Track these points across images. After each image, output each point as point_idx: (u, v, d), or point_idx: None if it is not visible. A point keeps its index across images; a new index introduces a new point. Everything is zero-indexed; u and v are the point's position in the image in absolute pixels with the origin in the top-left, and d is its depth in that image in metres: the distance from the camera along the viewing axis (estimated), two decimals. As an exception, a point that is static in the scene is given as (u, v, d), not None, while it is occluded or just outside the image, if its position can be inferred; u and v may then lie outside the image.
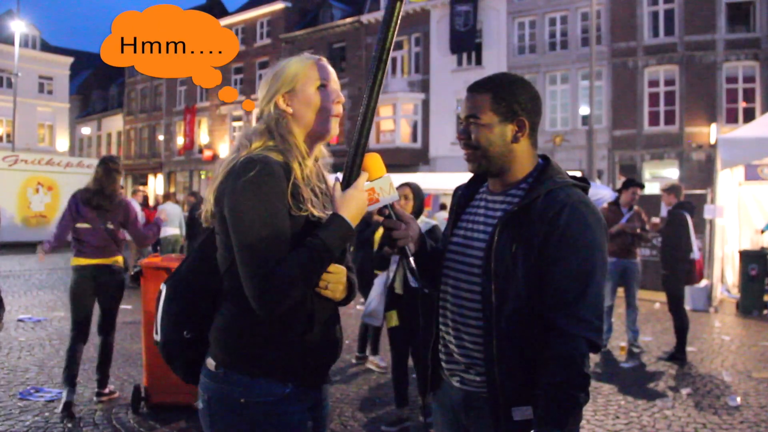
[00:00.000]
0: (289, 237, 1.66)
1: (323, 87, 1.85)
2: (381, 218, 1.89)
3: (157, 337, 1.87)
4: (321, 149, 1.93)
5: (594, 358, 6.92)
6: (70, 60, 45.12)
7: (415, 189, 4.48)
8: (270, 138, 1.80)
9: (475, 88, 1.88)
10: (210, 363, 1.77)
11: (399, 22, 1.74)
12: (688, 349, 7.07)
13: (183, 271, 1.89)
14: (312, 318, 1.75)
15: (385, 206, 1.81)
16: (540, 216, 1.73)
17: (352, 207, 1.73)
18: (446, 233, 2.06)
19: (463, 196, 2.05)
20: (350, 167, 1.78)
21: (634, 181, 7.74)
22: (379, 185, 1.79)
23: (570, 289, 1.70)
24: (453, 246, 1.97)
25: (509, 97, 1.83)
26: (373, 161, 1.80)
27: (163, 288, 1.89)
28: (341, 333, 1.91)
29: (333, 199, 1.76)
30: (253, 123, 1.90)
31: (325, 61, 1.90)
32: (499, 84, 1.85)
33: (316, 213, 1.73)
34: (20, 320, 8.52)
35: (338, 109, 1.85)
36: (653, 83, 24.05)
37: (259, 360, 1.71)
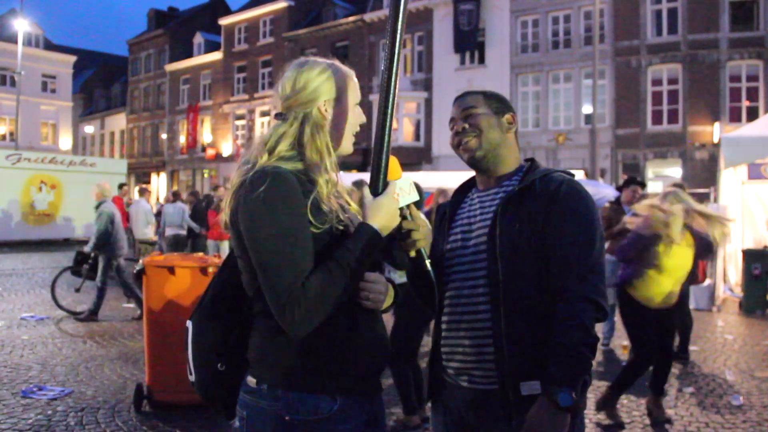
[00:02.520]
0: (311, 249, 1.58)
1: (356, 105, 1.82)
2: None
3: (192, 378, 1.78)
4: None
5: (596, 357, 6.90)
6: (73, 58, 45.21)
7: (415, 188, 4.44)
8: (297, 144, 1.71)
9: (464, 94, 2.09)
10: (251, 381, 1.68)
11: (405, 17, 1.72)
12: (691, 348, 7.06)
13: (207, 304, 1.80)
14: (355, 323, 1.68)
15: (402, 207, 1.79)
16: (540, 193, 1.87)
17: (383, 215, 1.67)
18: (439, 242, 2.06)
19: (452, 204, 2.13)
20: (376, 173, 1.72)
21: (634, 180, 7.73)
22: (399, 186, 1.76)
23: (575, 254, 1.80)
24: (451, 245, 2.02)
25: (496, 98, 2.07)
26: (391, 163, 1.79)
27: (190, 325, 1.80)
28: (386, 333, 1.82)
29: (363, 206, 1.70)
30: (257, 120, 1.83)
31: None
32: (486, 91, 2.10)
33: (339, 228, 1.65)
34: (23, 318, 8.54)
35: (358, 128, 1.83)
36: (656, 82, 24.01)
37: (304, 374, 1.63)
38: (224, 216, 1.69)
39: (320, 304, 1.54)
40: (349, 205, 1.80)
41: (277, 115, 1.78)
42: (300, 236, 1.57)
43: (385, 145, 1.72)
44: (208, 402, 1.81)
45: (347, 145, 1.82)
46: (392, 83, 1.71)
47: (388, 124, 1.72)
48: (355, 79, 1.85)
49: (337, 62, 1.84)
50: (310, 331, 1.56)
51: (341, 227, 1.66)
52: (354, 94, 1.82)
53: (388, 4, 1.75)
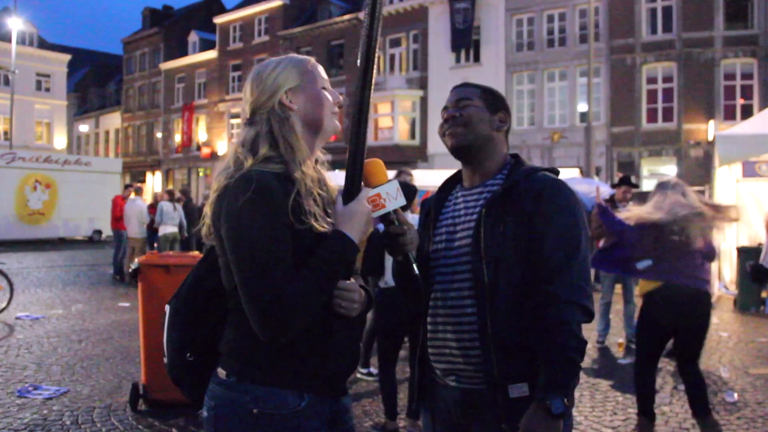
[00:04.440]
0: (291, 257, 1.59)
1: (324, 88, 1.80)
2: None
3: (165, 360, 1.82)
4: (318, 152, 1.84)
5: (592, 355, 6.93)
6: (67, 57, 45.01)
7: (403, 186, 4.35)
8: (273, 143, 1.70)
9: (463, 85, 2.08)
10: (221, 372, 1.70)
11: (380, 20, 1.68)
12: (686, 345, 7.07)
13: (184, 293, 1.83)
14: (329, 326, 1.68)
15: (389, 212, 1.78)
16: (525, 193, 1.86)
17: (355, 223, 1.67)
18: (424, 242, 2.04)
19: (436, 201, 2.11)
20: (350, 179, 1.71)
21: (627, 180, 7.80)
22: (386, 191, 1.75)
23: (560, 258, 1.80)
24: (436, 245, 2.01)
25: (493, 95, 2.06)
26: (376, 167, 1.77)
27: (167, 309, 1.83)
28: (359, 339, 1.85)
29: (335, 214, 1.70)
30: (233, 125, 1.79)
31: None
32: (484, 86, 2.08)
33: (319, 228, 1.64)
34: (18, 318, 8.53)
35: (336, 109, 1.82)
36: (651, 80, 24.04)
37: (274, 369, 1.64)
38: (207, 209, 1.69)
39: (296, 314, 1.55)
40: (326, 197, 1.79)
41: (247, 122, 1.77)
42: (279, 244, 1.58)
43: (359, 153, 1.70)
44: (177, 386, 1.85)
45: (330, 124, 1.79)
46: (365, 95, 1.68)
47: (362, 132, 1.69)
48: (314, 63, 1.82)
49: (292, 54, 1.83)
50: (283, 339, 1.58)
51: (321, 227, 1.66)
52: (319, 77, 1.79)
53: (365, 8, 1.69)
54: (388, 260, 4.46)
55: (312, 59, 1.83)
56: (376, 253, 4.42)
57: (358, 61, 1.70)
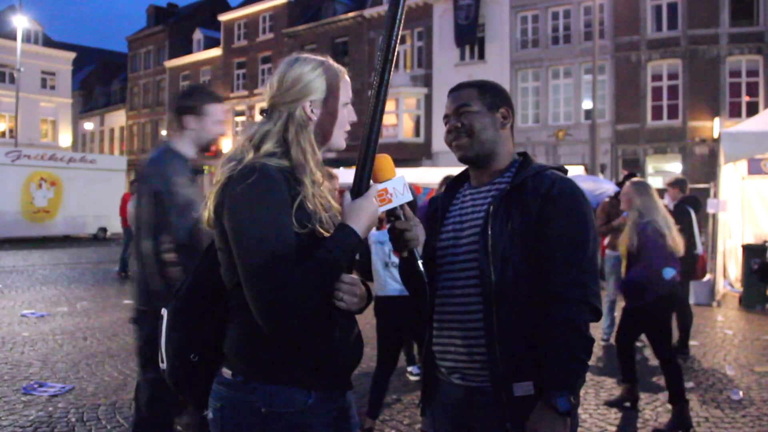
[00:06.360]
0: (294, 247, 1.58)
1: (346, 105, 1.81)
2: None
3: (163, 366, 1.77)
4: None
5: (596, 352, 6.92)
6: (72, 55, 45.14)
7: None
8: (281, 141, 1.70)
9: (459, 86, 2.07)
10: (226, 372, 1.68)
11: (403, 20, 1.69)
12: (691, 343, 7.06)
13: (183, 294, 1.79)
14: (333, 321, 1.68)
15: (395, 207, 1.77)
16: (533, 192, 1.84)
17: (362, 218, 1.67)
18: (431, 239, 2.02)
19: (444, 199, 2.11)
20: (359, 176, 1.71)
21: (633, 176, 7.76)
22: (393, 186, 1.75)
23: (568, 256, 1.79)
24: (443, 242, 2.00)
25: (492, 91, 2.02)
26: (384, 162, 1.77)
27: (164, 313, 1.78)
28: (360, 334, 1.84)
29: (342, 208, 1.70)
30: (256, 117, 1.80)
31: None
32: (482, 82, 2.06)
33: (323, 232, 1.65)
34: (23, 315, 8.55)
35: (348, 127, 1.83)
36: (656, 77, 23.98)
37: (281, 367, 1.63)
38: (210, 200, 1.68)
39: (299, 303, 1.55)
40: (331, 205, 1.79)
41: (263, 112, 1.78)
42: (283, 231, 1.58)
43: (371, 150, 1.70)
44: (178, 391, 1.81)
45: (337, 141, 1.81)
46: (381, 94, 1.68)
47: (375, 129, 1.69)
48: (347, 78, 1.83)
49: (329, 60, 1.82)
50: (286, 329, 1.57)
51: (324, 230, 1.65)
52: (344, 93, 1.80)
53: (387, 2, 1.71)
54: (375, 273, 4.44)
55: (343, 74, 1.82)
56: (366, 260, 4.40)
57: (377, 58, 1.70)
